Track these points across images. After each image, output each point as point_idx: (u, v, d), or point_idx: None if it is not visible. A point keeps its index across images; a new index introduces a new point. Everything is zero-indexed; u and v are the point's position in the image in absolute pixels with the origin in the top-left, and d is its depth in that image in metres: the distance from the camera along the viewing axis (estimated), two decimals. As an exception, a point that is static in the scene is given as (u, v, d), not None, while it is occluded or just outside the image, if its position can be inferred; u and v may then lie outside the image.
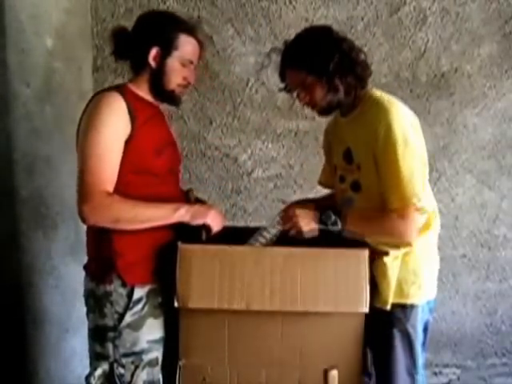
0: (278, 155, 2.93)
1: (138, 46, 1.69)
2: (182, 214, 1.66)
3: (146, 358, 1.67)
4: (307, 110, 2.78)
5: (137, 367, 1.65)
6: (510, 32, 2.83)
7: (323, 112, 1.84)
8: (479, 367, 3.09)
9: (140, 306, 1.65)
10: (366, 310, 1.62)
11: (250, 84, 2.86)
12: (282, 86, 1.89)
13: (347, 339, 1.68)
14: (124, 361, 1.65)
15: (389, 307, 1.73)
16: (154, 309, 1.69)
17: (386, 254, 1.71)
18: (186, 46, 1.72)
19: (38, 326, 2.31)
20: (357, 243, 1.72)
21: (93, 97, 1.69)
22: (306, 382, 1.68)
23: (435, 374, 3.03)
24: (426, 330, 1.83)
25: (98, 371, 1.65)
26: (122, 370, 1.65)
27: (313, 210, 1.81)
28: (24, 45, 2.15)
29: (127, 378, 1.65)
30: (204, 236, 1.73)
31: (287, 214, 1.82)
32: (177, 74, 1.72)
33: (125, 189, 1.61)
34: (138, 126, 1.62)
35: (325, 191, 2.18)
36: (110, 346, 1.64)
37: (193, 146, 2.90)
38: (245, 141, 2.91)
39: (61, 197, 2.40)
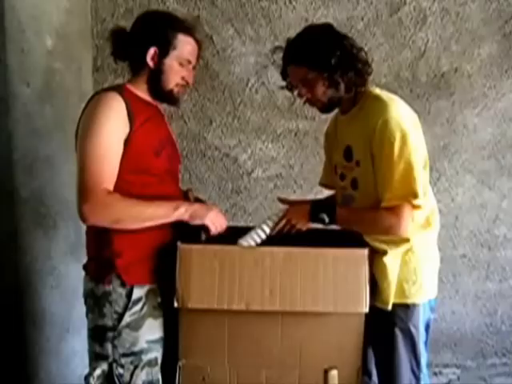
0: (277, 155, 2.93)
1: (137, 46, 1.69)
2: (181, 212, 1.66)
3: (146, 358, 1.67)
4: (307, 110, 2.81)
5: (136, 367, 1.65)
6: (510, 32, 2.83)
7: (324, 109, 1.85)
8: (479, 367, 3.09)
9: (139, 306, 1.65)
10: (366, 310, 1.62)
11: (249, 84, 2.86)
12: (283, 84, 1.90)
13: (347, 339, 1.68)
14: (123, 361, 1.65)
15: (390, 307, 1.73)
16: (153, 309, 1.69)
17: (385, 253, 1.71)
18: (184, 45, 1.72)
19: (38, 326, 2.31)
20: (357, 243, 1.72)
21: (92, 97, 1.69)
22: (305, 382, 1.69)
23: (435, 374, 3.03)
24: (427, 328, 1.83)
25: (98, 371, 1.65)
26: (121, 370, 1.65)
27: (306, 207, 1.84)
28: (24, 45, 2.15)
29: (126, 378, 1.65)
30: (203, 237, 1.73)
31: (283, 219, 1.84)
32: (175, 74, 1.72)
33: (124, 188, 1.61)
34: (137, 126, 1.62)
35: (325, 192, 2.18)
36: (109, 346, 1.64)
37: (193, 146, 2.90)
38: (245, 141, 2.91)
39: (61, 197, 2.40)
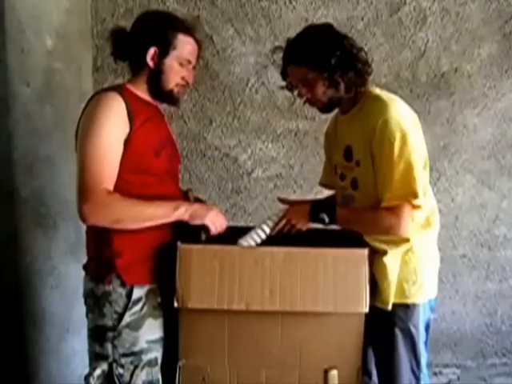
0: (278, 155, 2.93)
1: (136, 46, 1.69)
2: (181, 212, 1.66)
3: (146, 358, 1.67)
4: (307, 110, 2.81)
5: (136, 367, 1.65)
6: (510, 32, 2.83)
7: (324, 109, 1.86)
8: (479, 367, 3.09)
9: (139, 306, 1.65)
10: (366, 310, 1.62)
11: (249, 84, 2.86)
12: (283, 84, 1.91)
13: (347, 339, 1.68)
14: (123, 361, 1.65)
15: (390, 307, 1.73)
16: (153, 309, 1.69)
17: (385, 253, 1.72)
18: (184, 45, 1.72)
19: (38, 326, 2.31)
20: (357, 243, 1.72)
21: (92, 97, 1.69)
22: (305, 382, 1.68)
23: (435, 374, 3.03)
24: (427, 328, 1.83)
25: (97, 371, 1.64)
26: (121, 370, 1.64)
27: (306, 207, 1.84)
28: (24, 45, 2.15)
29: (126, 378, 1.64)
30: (203, 237, 1.73)
31: (283, 219, 1.85)
32: (175, 74, 1.72)
33: (124, 188, 1.61)
34: (137, 126, 1.62)
35: (325, 192, 2.18)
36: (109, 346, 1.64)
37: (193, 146, 2.90)
38: (245, 141, 2.91)
39: (61, 197, 2.40)
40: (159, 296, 1.71)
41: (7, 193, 2.13)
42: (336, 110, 1.93)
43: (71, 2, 2.54)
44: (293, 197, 2.70)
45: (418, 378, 1.79)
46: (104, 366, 1.65)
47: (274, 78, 2.80)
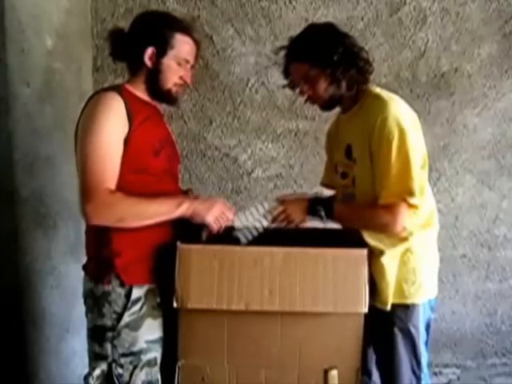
0: (278, 155, 2.93)
1: (134, 46, 1.69)
2: (184, 209, 1.66)
3: (145, 358, 1.66)
4: (307, 110, 2.82)
5: (135, 367, 1.65)
6: (510, 32, 2.83)
7: (325, 106, 1.86)
8: (479, 367, 3.10)
9: (138, 306, 1.65)
10: (365, 310, 1.62)
11: (249, 84, 2.86)
12: (285, 83, 1.91)
13: (346, 339, 1.68)
14: (122, 361, 1.64)
15: (389, 307, 1.73)
16: (152, 309, 1.69)
17: (383, 253, 1.72)
18: (182, 45, 1.72)
19: (38, 326, 2.31)
20: (356, 243, 1.72)
21: (91, 97, 1.69)
22: (304, 382, 1.68)
23: (435, 374, 3.03)
24: (428, 328, 1.83)
25: (97, 371, 1.64)
26: (120, 370, 1.64)
27: (304, 201, 1.85)
28: (24, 45, 2.15)
29: (126, 378, 1.64)
30: (204, 236, 1.73)
31: (280, 207, 1.85)
32: (173, 74, 1.72)
33: (124, 188, 1.60)
34: (136, 125, 1.62)
35: (326, 192, 2.18)
36: (108, 346, 1.64)
37: (193, 146, 2.91)
38: (245, 141, 2.91)
39: (61, 197, 2.40)
40: (158, 296, 1.71)
41: (7, 193, 2.13)
42: (338, 111, 1.94)
43: (71, 2, 2.54)
44: (293, 197, 2.70)
45: (418, 378, 1.79)
46: (103, 366, 1.65)
47: (274, 78, 2.80)
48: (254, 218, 1.82)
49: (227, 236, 1.75)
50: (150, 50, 1.68)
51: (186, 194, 1.92)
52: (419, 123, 1.76)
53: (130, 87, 1.72)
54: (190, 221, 1.70)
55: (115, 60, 1.78)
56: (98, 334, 1.67)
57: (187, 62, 1.74)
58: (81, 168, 1.59)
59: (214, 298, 1.60)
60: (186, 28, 1.73)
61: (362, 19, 2.81)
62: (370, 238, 1.74)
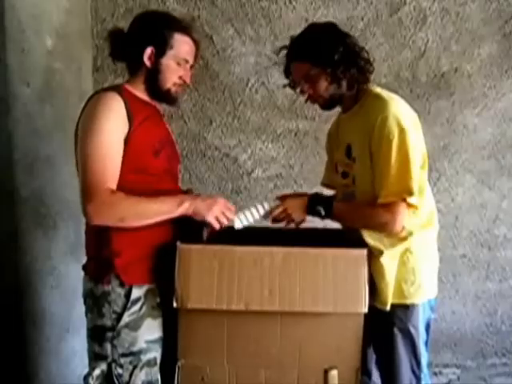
0: (278, 155, 2.93)
1: (134, 46, 1.70)
2: (185, 207, 1.65)
3: (145, 358, 1.66)
4: (307, 110, 2.82)
5: (135, 367, 1.65)
6: (510, 32, 2.83)
7: (325, 105, 1.87)
8: (479, 367, 3.09)
9: (138, 306, 1.65)
10: (365, 310, 1.62)
11: (249, 84, 2.86)
12: (286, 82, 1.92)
13: (346, 339, 1.68)
14: (122, 361, 1.64)
15: (388, 308, 1.73)
16: (152, 309, 1.69)
17: (382, 253, 1.72)
18: (181, 44, 1.72)
19: (38, 326, 2.31)
20: (356, 243, 1.72)
21: (91, 97, 1.69)
22: (304, 382, 1.68)
23: (435, 373, 3.03)
24: (427, 328, 1.83)
25: (97, 371, 1.64)
26: (120, 370, 1.64)
27: (304, 199, 1.85)
28: (24, 45, 2.15)
29: (125, 378, 1.64)
30: (205, 235, 1.73)
31: (280, 205, 1.86)
32: (172, 73, 1.72)
33: (123, 188, 1.60)
34: (136, 125, 1.62)
35: (326, 192, 2.18)
36: (108, 346, 1.64)
37: (193, 146, 2.90)
38: (245, 141, 2.91)
39: (61, 197, 2.40)
40: (158, 296, 1.71)
41: (7, 193, 2.13)
42: (338, 111, 1.94)
43: (71, 2, 2.54)
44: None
45: (418, 378, 1.79)
46: (103, 366, 1.65)
47: (274, 78, 2.81)
48: (254, 218, 1.82)
49: (227, 235, 1.75)
50: (149, 50, 1.68)
51: (186, 194, 1.92)
52: (419, 123, 1.76)
53: (129, 87, 1.72)
54: (190, 220, 1.70)
55: (115, 60, 1.78)
56: (97, 334, 1.67)
57: (186, 61, 1.74)
58: (81, 168, 1.59)
59: (213, 297, 1.60)
60: (185, 28, 1.73)
61: (362, 19, 2.81)
62: (369, 238, 1.74)
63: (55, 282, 2.40)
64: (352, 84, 1.79)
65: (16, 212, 2.16)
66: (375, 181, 1.70)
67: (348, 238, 1.82)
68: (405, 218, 1.68)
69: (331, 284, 1.61)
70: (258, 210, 1.83)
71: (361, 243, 1.73)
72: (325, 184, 2.16)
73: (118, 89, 1.67)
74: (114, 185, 1.59)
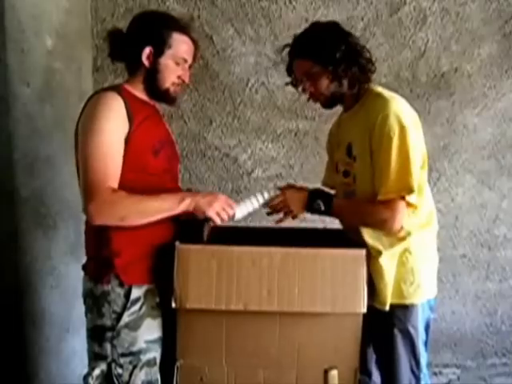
0: (278, 155, 2.93)
1: (132, 46, 1.70)
2: (186, 204, 1.65)
3: (144, 358, 1.67)
4: (307, 110, 2.82)
5: (135, 367, 1.65)
6: (510, 32, 2.83)
7: (326, 104, 1.87)
8: (479, 367, 3.10)
9: (138, 305, 1.65)
10: (364, 310, 1.62)
11: (249, 84, 2.86)
12: (288, 81, 1.93)
13: (345, 339, 1.68)
14: (122, 361, 1.65)
15: (387, 308, 1.73)
16: (151, 309, 1.69)
17: (380, 253, 1.72)
18: (180, 44, 1.72)
19: (38, 326, 2.31)
20: (355, 243, 1.72)
21: (90, 97, 1.69)
22: (303, 382, 1.68)
23: (435, 373, 3.03)
24: (427, 328, 1.83)
25: (96, 371, 1.64)
26: (120, 370, 1.65)
27: (304, 193, 1.85)
28: (24, 45, 2.15)
29: (125, 378, 1.65)
30: (205, 234, 1.73)
31: (280, 196, 1.86)
32: (171, 73, 1.72)
33: (124, 187, 1.60)
34: (136, 125, 1.62)
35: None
36: (108, 345, 1.64)
37: (193, 146, 2.91)
38: (245, 141, 2.91)
39: (61, 197, 2.40)
40: (158, 296, 1.71)
41: (7, 193, 2.13)
42: (339, 111, 1.95)
43: (71, 2, 2.54)
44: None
45: (417, 378, 1.79)
46: (103, 366, 1.65)
47: (274, 78, 2.81)
48: (254, 207, 1.82)
49: (226, 235, 1.75)
50: (147, 50, 1.68)
51: (186, 192, 1.92)
52: (420, 123, 1.76)
53: (128, 87, 1.72)
54: (191, 220, 1.70)
55: (114, 60, 1.79)
56: (97, 334, 1.67)
57: (185, 61, 1.75)
58: (82, 168, 1.59)
59: (212, 298, 1.60)
60: (183, 27, 1.73)
61: (362, 19, 2.81)
62: (368, 237, 1.74)
63: (55, 282, 2.40)
64: (353, 83, 1.79)
65: (16, 212, 2.16)
66: (375, 178, 1.70)
67: (347, 239, 1.82)
68: (404, 217, 1.68)
69: (330, 284, 1.61)
70: (257, 200, 1.83)
71: (360, 243, 1.73)
72: (325, 184, 2.16)
73: (117, 89, 1.67)
74: (115, 184, 1.59)
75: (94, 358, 1.68)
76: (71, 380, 2.51)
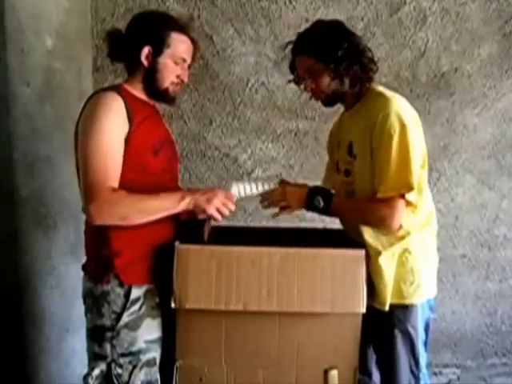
0: (278, 155, 2.93)
1: (131, 46, 1.70)
2: (186, 203, 1.65)
3: (144, 358, 1.67)
4: (307, 110, 2.82)
5: (134, 367, 1.65)
6: (510, 32, 2.83)
7: (327, 102, 1.88)
8: (479, 367, 3.10)
9: (137, 306, 1.65)
10: (363, 310, 1.62)
11: (249, 84, 2.86)
12: (290, 78, 1.93)
13: (344, 339, 1.68)
14: (122, 361, 1.65)
15: (387, 308, 1.73)
16: (151, 309, 1.69)
17: (380, 253, 1.72)
18: (178, 43, 1.72)
19: (38, 326, 2.31)
20: (354, 244, 1.72)
21: (90, 97, 1.69)
22: (303, 382, 1.68)
23: (435, 373, 3.03)
24: (427, 328, 1.83)
25: (96, 371, 1.64)
26: (119, 370, 1.65)
27: (304, 190, 1.84)
28: (24, 45, 2.15)
29: (125, 378, 1.65)
30: (206, 233, 1.73)
31: (279, 189, 1.86)
32: (170, 72, 1.72)
33: (124, 187, 1.60)
34: (136, 125, 1.63)
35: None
36: (107, 345, 1.64)
37: (193, 146, 2.91)
38: (245, 141, 2.91)
39: (61, 197, 2.40)
40: (157, 296, 1.71)
41: (7, 193, 2.13)
42: (340, 111, 1.95)
43: (71, 2, 2.54)
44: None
45: (417, 378, 1.79)
46: (103, 366, 1.65)
47: (274, 78, 2.81)
48: (252, 192, 1.82)
49: (226, 235, 1.75)
50: (146, 50, 1.68)
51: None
52: (420, 122, 1.76)
53: (128, 87, 1.73)
54: (191, 221, 1.70)
55: (113, 61, 1.79)
56: (97, 334, 1.67)
57: (184, 60, 1.75)
58: (82, 167, 1.59)
59: (212, 298, 1.60)
60: (182, 27, 1.74)
61: (362, 19, 2.81)
62: (368, 236, 1.74)
63: (55, 282, 2.40)
64: (355, 82, 1.79)
65: (16, 212, 2.16)
66: (375, 176, 1.70)
67: (347, 239, 1.82)
68: (403, 215, 1.68)
69: (329, 284, 1.61)
70: (257, 187, 1.82)
71: (359, 244, 1.73)
72: (326, 184, 2.16)
73: (117, 89, 1.68)
74: (115, 183, 1.59)
75: (94, 357, 1.68)
76: (71, 380, 2.51)
